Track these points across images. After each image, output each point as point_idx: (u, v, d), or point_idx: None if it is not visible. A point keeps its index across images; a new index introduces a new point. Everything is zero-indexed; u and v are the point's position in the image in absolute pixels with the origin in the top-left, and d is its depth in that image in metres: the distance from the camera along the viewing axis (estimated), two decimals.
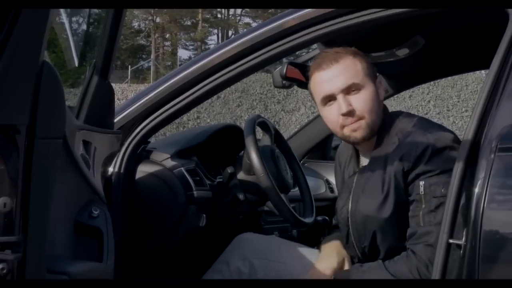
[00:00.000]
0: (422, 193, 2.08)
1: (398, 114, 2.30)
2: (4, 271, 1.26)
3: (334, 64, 2.22)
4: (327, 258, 2.33)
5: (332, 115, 2.25)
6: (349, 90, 2.20)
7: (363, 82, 2.20)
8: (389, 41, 2.71)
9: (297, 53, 2.59)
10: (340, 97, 2.20)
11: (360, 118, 2.20)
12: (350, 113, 2.19)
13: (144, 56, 41.84)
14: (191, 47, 43.36)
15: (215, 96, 20.65)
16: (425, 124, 2.22)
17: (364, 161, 2.34)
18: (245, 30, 2.27)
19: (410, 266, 2.09)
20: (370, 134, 2.24)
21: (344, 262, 2.33)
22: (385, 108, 2.31)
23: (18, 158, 1.24)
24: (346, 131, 2.23)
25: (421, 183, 2.08)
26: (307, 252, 2.46)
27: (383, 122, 2.25)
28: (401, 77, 3.44)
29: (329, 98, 2.23)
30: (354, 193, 2.29)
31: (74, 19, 2.21)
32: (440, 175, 2.07)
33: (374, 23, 2.12)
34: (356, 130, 2.22)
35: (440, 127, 2.23)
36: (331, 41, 2.65)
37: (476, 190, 1.74)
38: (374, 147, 2.26)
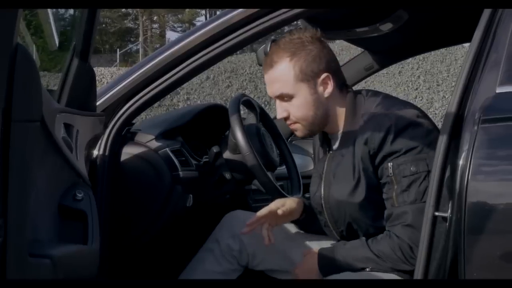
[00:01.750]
0: (392, 174, 2.08)
1: (364, 93, 2.30)
2: None
3: (269, 70, 2.26)
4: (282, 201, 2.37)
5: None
6: (282, 97, 2.25)
7: (294, 90, 2.22)
8: (372, 16, 2.70)
9: (279, 30, 2.59)
10: (277, 102, 2.28)
11: (296, 122, 2.27)
12: (285, 118, 2.27)
13: (132, 39, 41.70)
14: (179, 28, 43.19)
15: (204, 77, 20.66)
16: (388, 103, 2.21)
17: (334, 144, 2.34)
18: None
19: (393, 246, 2.10)
20: (312, 132, 2.30)
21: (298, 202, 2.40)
22: (349, 93, 2.29)
23: None
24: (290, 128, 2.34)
25: (389, 164, 2.09)
26: (295, 229, 2.48)
27: (349, 108, 2.25)
28: (386, 52, 3.44)
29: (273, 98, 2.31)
30: (325, 179, 2.31)
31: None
32: (406, 153, 2.07)
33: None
34: (296, 130, 2.30)
35: (403, 104, 2.23)
36: (315, 17, 2.64)
37: (461, 162, 1.74)
38: (343, 128, 2.27)
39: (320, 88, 2.23)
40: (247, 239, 2.43)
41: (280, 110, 2.26)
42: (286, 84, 2.21)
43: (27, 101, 1.29)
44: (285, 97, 2.23)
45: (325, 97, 2.23)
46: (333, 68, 2.26)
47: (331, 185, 2.27)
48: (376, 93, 2.29)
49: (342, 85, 2.30)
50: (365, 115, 2.19)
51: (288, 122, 2.28)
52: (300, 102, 2.22)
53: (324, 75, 2.22)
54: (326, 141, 2.39)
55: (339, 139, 2.28)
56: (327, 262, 2.23)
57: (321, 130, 2.32)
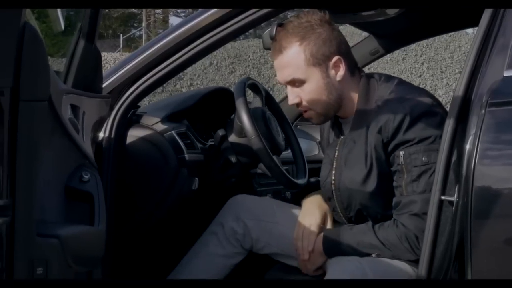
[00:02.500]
0: (403, 163, 2.07)
1: (378, 78, 2.27)
2: None
3: (279, 55, 2.22)
4: (310, 214, 2.36)
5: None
6: (293, 83, 2.22)
7: (306, 74, 2.19)
8: None
9: (283, 14, 2.58)
10: (288, 88, 2.25)
11: (309, 109, 2.25)
12: (297, 105, 2.25)
13: (135, 24, 41.56)
14: (182, 14, 43.04)
15: (208, 63, 20.64)
16: (403, 90, 2.19)
17: (345, 128, 2.33)
18: None
19: (399, 235, 2.10)
20: (327, 117, 2.29)
21: (326, 216, 2.37)
22: (363, 78, 2.28)
23: (3, 121, 1.23)
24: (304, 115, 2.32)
25: (401, 153, 2.08)
26: (299, 212, 2.46)
27: (362, 92, 2.23)
28: (392, 37, 3.42)
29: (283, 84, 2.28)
30: (336, 165, 2.29)
31: None
32: (419, 143, 2.06)
33: None
34: (310, 117, 2.28)
35: (418, 92, 2.21)
36: None
37: (468, 146, 1.74)
38: (355, 113, 2.25)
39: (332, 72, 2.21)
40: (251, 223, 2.43)
41: (292, 97, 2.24)
42: (297, 69, 2.19)
43: (35, 81, 1.29)
44: (297, 83, 2.21)
45: (337, 80, 2.21)
46: (344, 50, 2.24)
47: (342, 171, 2.26)
48: (389, 78, 2.27)
49: (354, 68, 2.28)
50: (379, 100, 2.18)
51: (301, 108, 2.26)
52: (312, 87, 2.20)
53: (335, 58, 2.20)
54: (337, 125, 2.37)
55: (350, 123, 2.27)
56: (332, 244, 2.23)
57: (335, 114, 2.30)
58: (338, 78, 2.21)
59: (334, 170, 2.29)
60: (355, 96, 2.25)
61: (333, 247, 2.23)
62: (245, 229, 2.43)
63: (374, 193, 2.17)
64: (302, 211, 2.40)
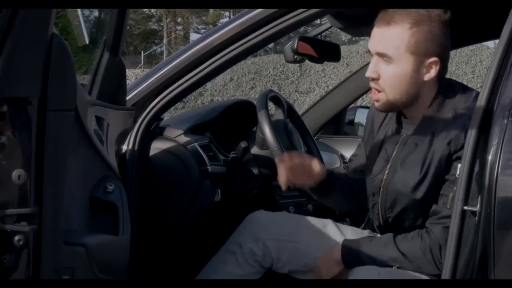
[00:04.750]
0: (458, 175, 1.96)
1: (455, 86, 2.20)
2: (21, 242, 1.29)
3: (384, 26, 2.12)
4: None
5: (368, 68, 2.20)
6: (382, 56, 2.11)
7: (398, 57, 2.09)
8: None
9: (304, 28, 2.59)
10: (374, 58, 2.15)
11: (382, 90, 2.15)
12: (374, 78, 2.15)
13: (156, 41, 41.79)
14: (203, 30, 43.20)
15: (228, 79, 20.68)
16: None
17: (407, 128, 2.24)
18: None
19: (424, 247, 2.07)
20: (393, 108, 2.19)
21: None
22: (444, 83, 2.19)
23: (31, 130, 1.25)
24: (371, 95, 2.21)
25: (459, 165, 1.96)
26: (320, 225, 2.43)
27: (439, 97, 2.15)
28: None
29: (370, 53, 2.18)
30: (392, 164, 2.22)
31: None
32: None
33: None
34: (376, 100, 2.18)
35: None
36: (341, 13, 2.64)
37: (490, 156, 1.74)
38: (423, 117, 2.17)
39: (423, 70, 2.12)
40: (271, 244, 2.36)
41: (373, 69, 2.14)
42: (395, 49, 2.10)
43: (62, 91, 1.31)
44: (386, 58, 2.11)
45: (423, 80, 2.12)
46: (444, 56, 2.15)
47: (395, 172, 2.19)
48: (467, 90, 2.20)
49: (443, 76, 2.19)
50: (452, 111, 2.11)
51: (374, 86, 2.16)
52: (397, 72, 2.11)
53: (433, 59, 2.11)
54: (397, 121, 2.29)
55: (416, 125, 2.19)
56: (350, 253, 2.20)
57: (400, 110, 2.22)
58: (425, 78, 2.12)
59: (388, 168, 2.22)
60: (429, 98, 2.17)
61: (351, 257, 2.20)
62: (265, 249, 2.36)
63: (422, 200, 2.11)
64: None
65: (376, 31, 2.14)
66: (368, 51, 2.18)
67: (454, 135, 2.04)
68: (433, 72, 2.12)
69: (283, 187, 2.28)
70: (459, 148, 2.01)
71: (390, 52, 2.09)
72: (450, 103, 2.13)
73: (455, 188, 1.97)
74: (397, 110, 2.22)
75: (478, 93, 2.09)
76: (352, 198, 2.47)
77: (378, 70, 2.13)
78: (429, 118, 2.15)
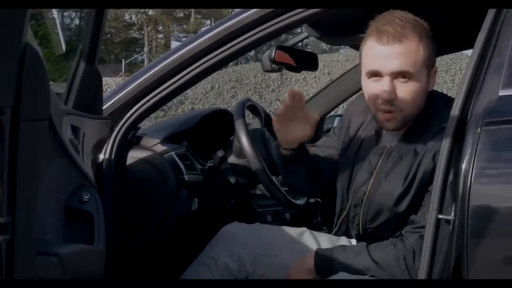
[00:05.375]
0: None
1: (438, 97, 2.20)
2: None
3: (396, 44, 2.05)
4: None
5: (372, 91, 2.12)
6: (398, 75, 2.06)
7: (417, 73, 2.06)
8: None
9: (284, 36, 2.59)
10: (386, 79, 2.07)
11: (398, 110, 2.09)
12: (390, 101, 2.08)
13: (137, 49, 41.76)
14: (184, 38, 43.14)
15: (209, 87, 20.69)
16: None
17: (389, 139, 2.23)
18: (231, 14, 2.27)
19: (397, 255, 2.07)
20: (402, 126, 2.15)
21: None
22: (432, 97, 2.19)
23: (4, 140, 1.25)
24: (380, 116, 2.14)
25: None
26: (296, 235, 2.41)
27: (429, 110, 2.15)
28: None
29: (376, 74, 2.09)
30: (376, 176, 2.20)
31: (66, 13, 2.22)
32: None
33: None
34: (390, 120, 2.13)
35: None
36: (319, 22, 2.65)
37: (464, 165, 1.74)
38: (408, 129, 2.17)
39: (430, 80, 2.13)
40: (246, 257, 2.33)
41: (388, 90, 2.06)
42: (414, 64, 2.05)
43: (35, 100, 1.31)
44: (404, 76, 2.05)
45: (429, 90, 2.14)
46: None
47: (380, 184, 2.17)
48: (450, 101, 2.10)
49: None
50: (436, 124, 2.10)
51: (388, 108, 2.09)
52: (416, 88, 2.07)
53: (434, 68, 2.15)
54: (377, 131, 2.28)
55: (399, 136, 2.18)
56: (323, 262, 2.19)
57: (406, 126, 2.17)
58: (429, 89, 2.15)
59: (372, 180, 2.21)
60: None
61: (324, 265, 2.19)
62: (240, 263, 2.32)
63: (404, 212, 2.12)
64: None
65: (387, 50, 2.06)
66: (374, 73, 2.10)
67: (438, 149, 1.99)
68: (434, 82, 2.15)
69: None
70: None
71: (411, 68, 2.05)
72: (437, 116, 2.13)
73: None
74: (404, 126, 2.17)
75: None
76: (311, 180, 2.44)
77: (394, 90, 2.07)
78: (414, 130, 2.16)
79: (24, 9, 1.23)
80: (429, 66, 2.11)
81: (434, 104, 2.17)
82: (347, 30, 2.76)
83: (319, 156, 2.47)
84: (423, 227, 1.99)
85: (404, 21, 2.07)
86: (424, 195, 2.09)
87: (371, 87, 2.12)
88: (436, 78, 2.16)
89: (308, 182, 2.44)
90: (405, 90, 2.07)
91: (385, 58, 2.06)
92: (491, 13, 1.90)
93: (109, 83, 19.91)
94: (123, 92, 2.29)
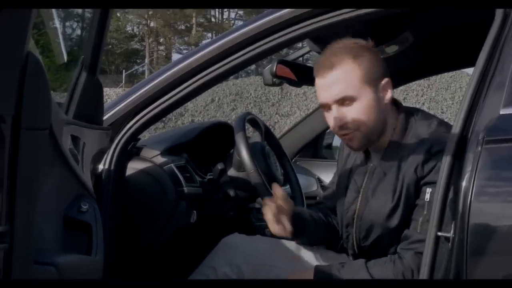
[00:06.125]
0: (427, 200, 2.02)
1: (414, 113, 2.21)
2: None
3: (329, 72, 2.11)
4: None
5: (329, 121, 2.19)
6: (343, 101, 2.11)
7: (358, 92, 2.09)
8: (378, 37, 2.70)
9: (285, 51, 2.60)
10: (334, 107, 2.13)
11: (354, 130, 2.14)
12: (342, 126, 2.13)
13: (138, 60, 41.83)
14: (185, 51, 43.24)
15: (209, 100, 20.71)
16: (442, 131, 2.12)
17: (374, 156, 2.26)
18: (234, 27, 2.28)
19: (396, 273, 2.07)
20: (368, 143, 2.18)
21: None
22: (399, 106, 2.23)
23: (4, 148, 1.25)
24: (343, 140, 2.23)
25: (428, 189, 2.03)
26: (295, 248, 2.43)
27: (400, 125, 2.18)
28: (392, 75, 3.45)
29: (326, 107, 2.16)
30: (363, 194, 2.23)
31: (68, 23, 2.23)
32: None
33: (360, 19, 2.12)
34: (351, 140, 2.17)
35: None
36: (319, 37, 2.66)
37: (464, 183, 1.74)
38: (387, 145, 2.19)
39: (381, 94, 2.13)
40: (245, 267, 2.35)
41: (338, 117, 2.12)
42: (351, 86, 2.09)
43: (36, 109, 1.31)
44: (347, 101, 2.10)
45: (385, 103, 2.15)
46: (389, 76, 2.18)
47: (368, 202, 2.20)
48: (428, 116, 2.21)
49: (393, 97, 2.22)
50: (416, 137, 2.12)
51: (345, 131, 2.15)
52: (363, 106, 2.11)
53: (385, 80, 2.14)
54: (364, 151, 2.30)
55: (382, 153, 2.21)
56: (323, 278, 2.19)
57: (374, 142, 2.20)
58: (385, 101, 2.15)
59: (360, 199, 2.23)
60: (392, 125, 2.18)
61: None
62: (239, 273, 2.34)
63: (396, 227, 2.12)
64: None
65: (323, 81, 2.14)
66: (324, 105, 2.17)
67: (420, 161, 2.06)
68: (389, 94, 2.16)
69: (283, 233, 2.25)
70: (426, 173, 2.05)
71: (349, 92, 2.10)
72: (412, 129, 2.16)
73: (424, 212, 2.02)
74: (373, 142, 2.20)
75: (440, 120, 2.17)
76: (327, 229, 2.46)
77: (343, 116, 2.12)
78: (394, 145, 2.17)
79: (27, 17, 1.23)
80: (373, 80, 2.12)
81: (409, 118, 2.19)
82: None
83: (328, 195, 2.55)
84: (417, 241, 2.03)
85: (335, 48, 2.15)
86: (413, 209, 2.10)
87: (328, 118, 2.19)
88: (390, 89, 2.16)
89: (328, 237, 2.46)
90: (353, 112, 2.11)
91: (325, 90, 2.14)
92: (493, 30, 1.91)
93: (109, 94, 19.96)
94: (123, 103, 2.28)
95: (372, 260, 2.16)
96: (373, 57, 2.15)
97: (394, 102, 2.24)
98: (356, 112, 2.11)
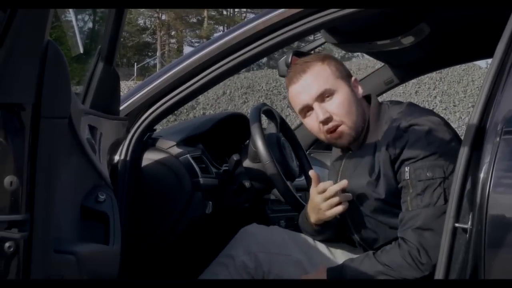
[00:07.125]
0: (408, 178, 2.09)
1: (388, 103, 2.32)
2: (11, 249, 1.28)
3: (303, 75, 2.24)
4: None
5: (312, 125, 2.26)
6: (322, 97, 2.21)
7: (335, 86, 2.22)
8: (394, 28, 2.71)
9: (297, 44, 2.61)
10: (316, 105, 2.22)
11: (340, 123, 2.22)
12: (328, 120, 2.21)
13: (150, 53, 41.87)
14: (196, 44, 43.28)
15: (221, 93, 20.69)
16: (410, 110, 2.23)
17: (354, 148, 2.33)
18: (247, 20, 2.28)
19: (402, 253, 2.09)
20: (355, 135, 2.25)
21: None
22: (374, 99, 2.32)
23: (24, 137, 1.25)
24: (331, 139, 2.27)
25: (407, 169, 2.10)
26: (311, 240, 2.45)
27: (373, 113, 2.27)
28: (406, 66, 3.45)
29: (307, 109, 2.25)
30: (342, 174, 2.31)
31: (80, 16, 2.23)
32: (424, 159, 2.08)
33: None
34: (340, 137, 2.24)
35: (426, 112, 2.24)
36: (336, 28, 2.65)
37: (482, 174, 1.73)
38: (364, 134, 2.27)
39: (354, 89, 2.27)
40: (263, 256, 2.37)
41: (321, 112, 2.21)
42: (327, 80, 2.22)
43: (56, 98, 1.31)
44: (327, 95, 2.21)
45: (359, 98, 2.27)
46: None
47: (349, 179, 2.22)
48: (399, 102, 2.32)
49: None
50: (388, 120, 2.21)
51: (331, 125, 2.22)
52: (342, 98, 2.22)
53: (354, 78, 2.29)
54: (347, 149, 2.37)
55: (360, 141, 2.28)
56: (336, 276, 2.21)
57: (360, 135, 2.27)
58: (359, 96, 2.28)
59: (339, 179, 2.29)
60: (366, 117, 2.27)
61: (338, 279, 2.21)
62: (257, 262, 2.37)
63: (384, 205, 2.19)
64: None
65: (300, 84, 2.25)
66: (304, 108, 2.25)
67: (390, 139, 2.14)
68: (360, 89, 2.30)
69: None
70: (399, 150, 2.12)
71: (326, 85, 2.22)
72: (385, 116, 2.25)
73: (410, 190, 2.09)
74: (359, 136, 2.27)
75: (410, 103, 2.30)
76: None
77: (326, 110, 2.21)
78: (370, 135, 2.26)
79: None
80: (344, 76, 2.27)
81: (380, 107, 2.30)
82: (365, 36, 2.76)
83: None
84: (410, 219, 2.09)
85: (302, 60, 2.32)
86: (399, 192, 2.15)
87: (310, 122, 2.28)
88: (360, 86, 2.31)
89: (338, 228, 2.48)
90: (334, 104, 2.22)
91: (302, 92, 2.25)
92: (511, 21, 1.89)
93: (121, 87, 19.88)
94: (139, 94, 2.28)
95: (378, 250, 2.20)
96: (338, 61, 2.32)
97: (367, 97, 2.34)
98: (337, 103, 2.22)
